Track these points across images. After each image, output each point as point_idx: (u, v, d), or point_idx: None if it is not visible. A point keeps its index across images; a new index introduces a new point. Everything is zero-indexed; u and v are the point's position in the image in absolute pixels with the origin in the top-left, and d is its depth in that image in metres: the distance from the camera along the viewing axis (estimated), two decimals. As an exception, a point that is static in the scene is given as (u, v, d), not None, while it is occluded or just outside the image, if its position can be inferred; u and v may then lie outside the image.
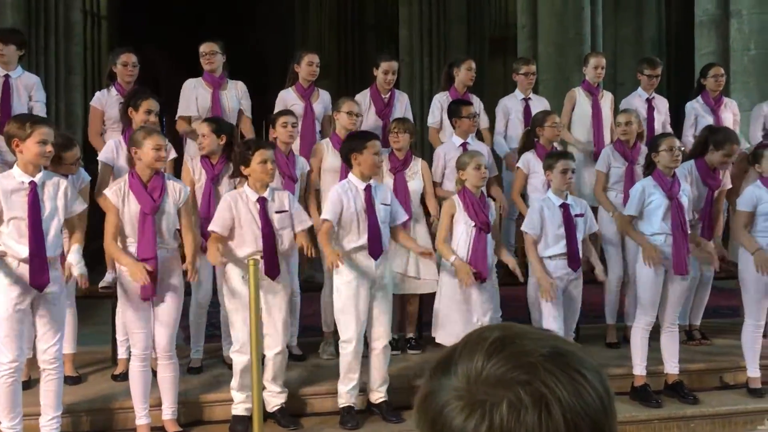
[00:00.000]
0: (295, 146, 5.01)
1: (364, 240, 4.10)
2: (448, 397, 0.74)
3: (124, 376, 4.37)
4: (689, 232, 4.45)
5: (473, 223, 4.26)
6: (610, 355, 5.03)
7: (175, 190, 3.95)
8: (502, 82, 13.13)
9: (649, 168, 4.49)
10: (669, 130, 5.69)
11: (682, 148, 4.55)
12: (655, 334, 4.55)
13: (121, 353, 4.62)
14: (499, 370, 0.72)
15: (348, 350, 4.10)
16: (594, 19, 11.72)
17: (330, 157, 4.91)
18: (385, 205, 4.18)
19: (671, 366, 4.48)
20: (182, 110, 5.26)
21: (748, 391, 4.57)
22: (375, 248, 4.11)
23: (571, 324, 4.46)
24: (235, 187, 4.27)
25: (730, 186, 5.21)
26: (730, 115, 6.02)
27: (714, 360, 4.90)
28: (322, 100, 5.44)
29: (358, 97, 5.39)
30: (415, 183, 4.94)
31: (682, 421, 4.38)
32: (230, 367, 4.26)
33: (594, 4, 11.69)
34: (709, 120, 5.66)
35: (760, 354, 4.55)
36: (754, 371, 4.53)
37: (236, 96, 5.30)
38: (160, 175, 3.93)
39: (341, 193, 4.11)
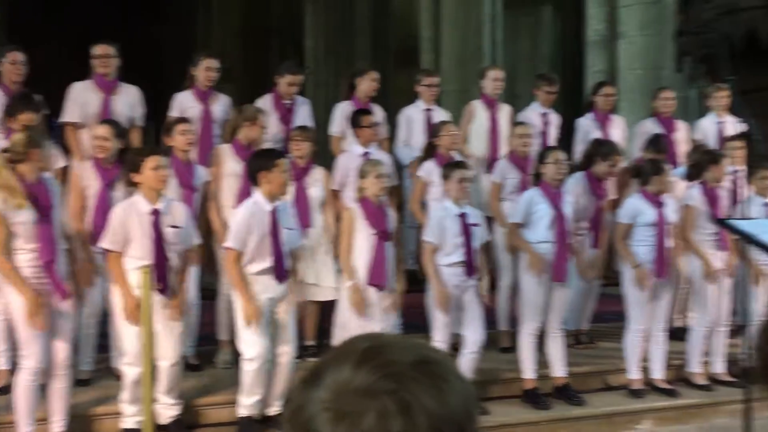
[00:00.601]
0: (193, 153, 4.90)
1: (269, 263, 4.05)
2: (317, 409, 0.74)
3: (5, 389, 4.15)
4: (571, 241, 4.67)
5: (373, 231, 4.31)
6: (504, 360, 5.19)
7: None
8: (407, 92, 13.36)
9: (536, 179, 4.69)
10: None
11: (568, 162, 4.79)
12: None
13: (2, 364, 4.39)
14: (366, 380, 0.74)
15: (251, 368, 4.02)
16: (494, 34, 12.12)
17: (230, 162, 4.84)
18: (290, 229, 4.15)
19: (558, 369, 4.68)
20: (68, 115, 4.97)
21: (629, 392, 4.83)
22: (280, 272, 4.09)
23: (478, 329, 4.50)
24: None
25: (615, 197, 5.51)
26: (618, 131, 6.35)
27: (599, 363, 5.16)
28: (221, 103, 5.34)
29: (258, 103, 5.34)
30: (315, 191, 4.95)
31: (568, 422, 4.58)
32: (119, 378, 4.12)
33: (494, 20, 12.09)
34: (599, 136, 5.96)
35: (641, 357, 4.82)
36: (634, 373, 4.80)
37: (128, 102, 5.08)
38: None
39: (248, 219, 4.02)
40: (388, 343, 0.78)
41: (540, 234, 4.59)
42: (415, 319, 5.15)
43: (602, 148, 5.17)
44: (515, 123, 5.79)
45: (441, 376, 0.77)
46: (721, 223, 4.28)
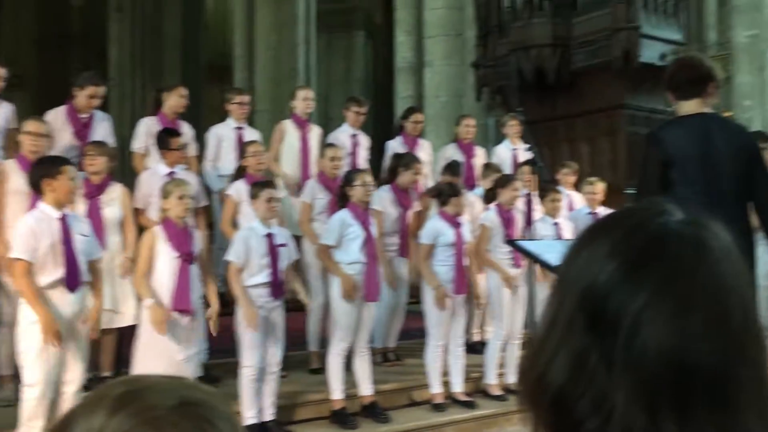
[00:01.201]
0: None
1: (60, 273, 3.74)
2: None
3: None
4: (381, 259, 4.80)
5: (177, 254, 4.12)
6: (313, 381, 5.18)
7: None
8: (219, 109, 13.10)
9: (343, 200, 4.76)
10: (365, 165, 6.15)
11: (373, 183, 4.92)
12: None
13: None
14: (122, 427, 0.68)
15: (32, 395, 3.67)
16: (308, 56, 12.27)
17: (15, 177, 4.42)
18: (84, 236, 3.87)
19: (365, 388, 4.74)
20: None
21: (432, 406, 5.01)
22: (72, 281, 3.78)
23: (275, 351, 4.49)
24: None
25: (420, 208, 5.74)
26: (425, 155, 6.64)
27: (404, 379, 5.30)
28: (3, 112, 4.89)
29: (50, 114, 4.93)
30: (113, 210, 4.65)
31: (375, 440, 4.64)
32: None
33: (308, 42, 12.25)
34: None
35: (441, 371, 5.02)
36: (436, 388, 4.99)
37: None
38: None
39: (33, 226, 3.70)
40: (147, 387, 0.72)
41: (352, 255, 4.65)
42: (224, 343, 5.00)
43: (403, 159, 5.50)
44: (326, 144, 5.85)
45: (206, 419, 0.71)
46: (511, 243, 4.59)
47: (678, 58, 3.60)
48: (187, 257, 4.15)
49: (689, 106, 3.30)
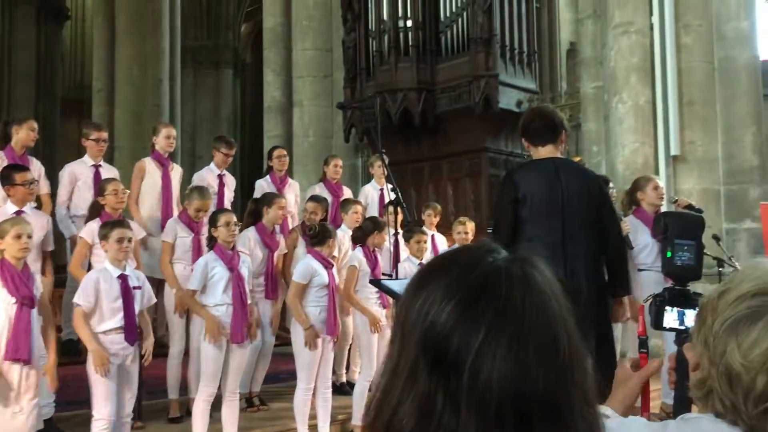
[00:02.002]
0: None
1: None
2: None
3: None
4: (249, 301, 4.66)
5: (14, 299, 3.80)
6: (174, 430, 4.93)
7: None
8: (77, 144, 12.48)
9: (212, 241, 4.62)
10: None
11: (238, 224, 4.82)
12: (217, 405, 4.61)
13: None
14: None
15: None
16: (173, 92, 11.96)
17: None
18: None
19: (229, 436, 4.56)
20: None
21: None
22: None
23: (130, 401, 4.23)
24: None
25: (286, 250, 5.67)
26: (292, 195, 6.61)
27: (270, 425, 5.14)
28: None
29: None
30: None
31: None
32: None
33: (173, 78, 11.95)
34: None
35: (308, 414, 4.91)
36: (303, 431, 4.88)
37: None
38: None
39: None
40: None
41: (218, 297, 4.51)
42: (77, 394, 4.66)
43: (265, 199, 5.43)
44: (192, 187, 5.66)
45: None
46: (375, 283, 4.62)
47: (531, 108, 3.87)
48: (25, 301, 3.84)
49: (543, 152, 3.54)
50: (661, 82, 7.59)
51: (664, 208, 5.70)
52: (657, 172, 7.40)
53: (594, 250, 3.53)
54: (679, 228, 2.01)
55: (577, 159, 9.28)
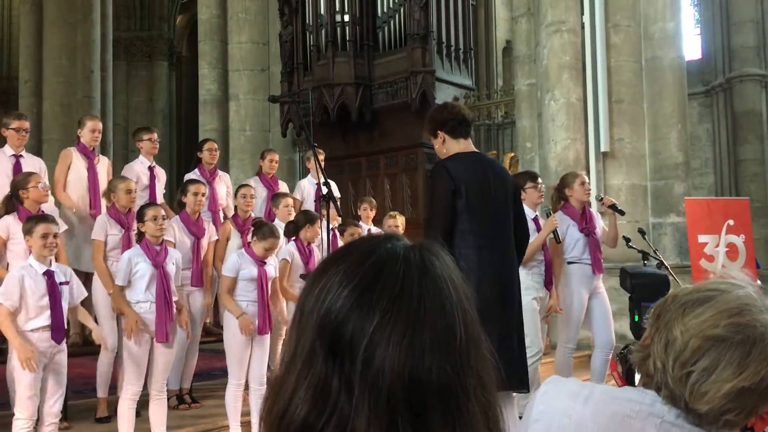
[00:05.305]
0: None
1: None
2: None
3: None
4: (175, 298, 4.57)
5: None
6: (101, 430, 4.81)
7: None
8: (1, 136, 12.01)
9: (141, 237, 4.52)
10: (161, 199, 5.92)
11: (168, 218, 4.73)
12: (147, 403, 4.51)
13: None
14: None
15: None
16: (104, 84, 11.63)
17: None
18: None
19: (158, 434, 4.47)
20: None
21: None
22: None
23: (59, 400, 4.10)
24: None
25: (217, 237, 5.59)
26: (224, 187, 6.52)
27: (201, 423, 5.06)
28: None
29: None
30: None
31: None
32: None
33: (104, 69, 11.61)
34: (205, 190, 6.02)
35: (241, 411, 4.85)
36: (236, 429, 4.81)
37: None
38: None
39: None
40: None
41: (140, 294, 4.40)
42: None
43: (186, 186, 5.36)
44: (118, 177, 5.52)
45: None
46: (306, 277, 4.60)
47: (445, 103, 3.87)
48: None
49: (462, 145, 3.57)
50: (591, 81, 7.79)
51: (593, 206, 5.84)
52: (587, 168, 7.60)
53: (514, 241, 3.62)
54: (645, 290, 2.07)
55: (510, 155, 9.45)
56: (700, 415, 1.17)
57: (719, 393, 1.13)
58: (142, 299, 4.41)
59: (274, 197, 6.11)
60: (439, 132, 3.60)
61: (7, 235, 4.67)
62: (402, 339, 0.77)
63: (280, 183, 6.85)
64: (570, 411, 1.26)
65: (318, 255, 5.41)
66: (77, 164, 5.66)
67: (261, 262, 4.73)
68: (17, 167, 5.40)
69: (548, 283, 5.27)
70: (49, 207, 5.01)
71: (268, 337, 4.85)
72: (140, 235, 4.54)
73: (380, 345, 0.77)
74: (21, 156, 5.52)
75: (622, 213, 5.56)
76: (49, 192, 5.07)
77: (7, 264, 4.71)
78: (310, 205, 6.57)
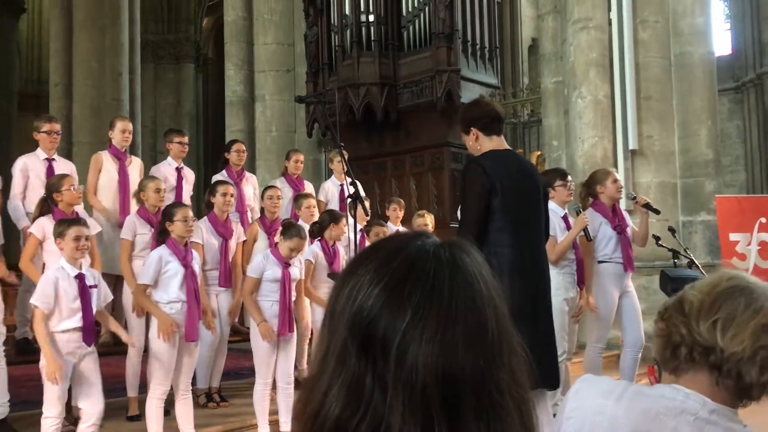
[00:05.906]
0: None
1: None
2: None
3: None
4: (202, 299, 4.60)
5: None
6: (131, 429, 4.86)
7: None
8: (33, 139, 12.22)
9: (163, 235, 4.54)
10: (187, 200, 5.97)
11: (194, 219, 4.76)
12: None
13: None
14: None
15: None
16: (133, 87, 11.76)
17: None
18: None
19: (186, 431, 4.51)
20: None
21: (260, 446, 4.84)
22: None
23: (97, 400, 4.11)
24: None
25: (245, 238, 5.61)
26: (251, 188, 6.55)
27: (229, 421, 5.10)
28: None
29: None
30: None
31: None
32: None
33: (132, 72, 11.75)
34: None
35: (269, 410, 4.88)
36: (264, 427, 4.84)
37: None
38: None
39: None
40: None
41: (172, 294, 4.43)
42: (31, 394, 4.55)
43: (215, 187, 5.37)
44: (147, 177, 5.59)
45: None
46: (333, 276, 4.60)
47: (477, 100, 3.80)
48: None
49: (495, 142, 3.51)
50: (619, 77, 7.70)
51: (622, 204, 5.77)
52: (615, 166, 7.52)
53: (544, 239, 3.60)
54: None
55: (537, 153, 9.38)
56: (742, 385, 1.27)
57: (747, 332, 1.28)
58: (175, 299, 4.43)
59: (297, 198, 6.13)
60: (471, 129, 3.53)
61: (43, 235, 4.74)
62: (434, 335, 0.77)
63: (306, 183, 6.88)
64: (603, 408, 1.28)
65: (344, 255, 5.42)
66: (108, 168, 5.73)
67: (285, 264, 4.74)
68: (50, 170, 5.49)
69: (580, 282, 5.22)
70: (80, 210, 5.09)
71: (294, 336, 4.87)
72: (163, 234, 4.54)
73: (413, 342, 0.77)
74: (53, 159, 5.61)
75: (657, 212, 5.46)
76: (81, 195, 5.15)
77: (44, 264, 4.79)
78: (334, 207, 6.58)
